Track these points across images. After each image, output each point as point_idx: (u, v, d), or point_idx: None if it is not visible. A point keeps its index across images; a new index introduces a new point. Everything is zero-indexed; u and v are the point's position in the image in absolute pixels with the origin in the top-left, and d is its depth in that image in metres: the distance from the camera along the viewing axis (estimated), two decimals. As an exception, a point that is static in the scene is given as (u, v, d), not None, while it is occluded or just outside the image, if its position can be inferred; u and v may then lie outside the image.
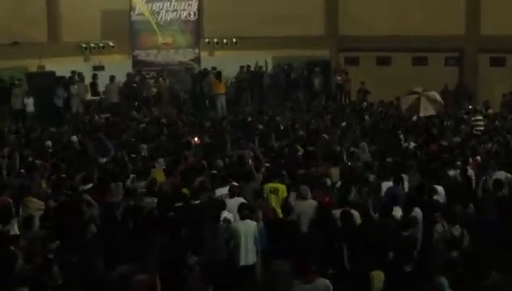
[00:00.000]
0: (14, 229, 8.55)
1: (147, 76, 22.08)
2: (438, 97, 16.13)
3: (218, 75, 20.58)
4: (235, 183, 9.92)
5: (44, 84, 19.58)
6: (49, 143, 14.05)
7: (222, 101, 20.06)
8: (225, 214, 8.97)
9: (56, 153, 13.05)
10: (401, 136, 14.63)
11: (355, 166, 11.79)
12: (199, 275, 7.32)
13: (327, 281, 7.13)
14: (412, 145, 13.88)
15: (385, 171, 10.97)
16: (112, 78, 20.37)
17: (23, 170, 11.27)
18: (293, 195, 9.90)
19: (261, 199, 9.67)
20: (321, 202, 9.39)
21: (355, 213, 8.92)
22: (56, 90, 19.37)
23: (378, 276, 7.46)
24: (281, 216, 9.31)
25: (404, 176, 10.67)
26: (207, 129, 16.04)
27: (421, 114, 15.84)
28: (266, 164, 11.49)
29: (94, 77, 20.83)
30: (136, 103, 20.56)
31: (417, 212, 9.06)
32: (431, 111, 15.74)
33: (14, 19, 20.86)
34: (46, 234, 8.03)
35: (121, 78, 20.88)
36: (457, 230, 8.43)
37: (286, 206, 9.29)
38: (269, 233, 8.86)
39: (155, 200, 9.44)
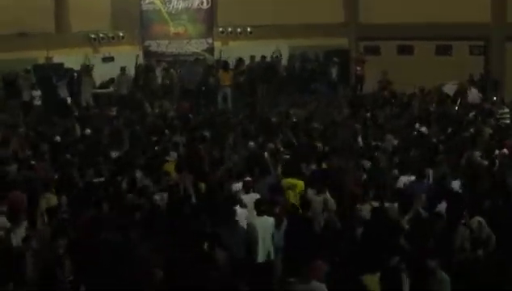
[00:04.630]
0: (21, 231, 8.44)
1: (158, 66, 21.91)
2: None
3: (225, 66, 20.14)
4: (249, 178, 9.98)
5: (52, 76, 19.53)
6: (58, 138, 13.91)
7: (226, 93, 19.50)
8: (238, 210, 9.05)
9: (68, 147, 13.07)
10: (423, 128, 14.57)
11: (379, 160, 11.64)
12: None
13: (323, 285, 6.96)
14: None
15: (406, 165, 10.94)
16: (123, 70, 20.22)
17: (33, 162, 11.38)
18: (310, 191, 9.82)
19: (279, 195, 9.71)
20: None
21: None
22: (58, 82, 19.38)
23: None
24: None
25: (429, 171, 10.61)
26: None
27: (469, 100, 17.00)
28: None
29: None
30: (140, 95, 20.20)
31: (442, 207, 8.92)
32: (478, 100, 16.81)
33: (21, 10, 20.59)
34: (52, 231, 7.97)
35: (132, 70, 20.83)
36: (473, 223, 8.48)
37: (304, 202, 9.28)
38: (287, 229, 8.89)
39: (165, 195, 9.61)
